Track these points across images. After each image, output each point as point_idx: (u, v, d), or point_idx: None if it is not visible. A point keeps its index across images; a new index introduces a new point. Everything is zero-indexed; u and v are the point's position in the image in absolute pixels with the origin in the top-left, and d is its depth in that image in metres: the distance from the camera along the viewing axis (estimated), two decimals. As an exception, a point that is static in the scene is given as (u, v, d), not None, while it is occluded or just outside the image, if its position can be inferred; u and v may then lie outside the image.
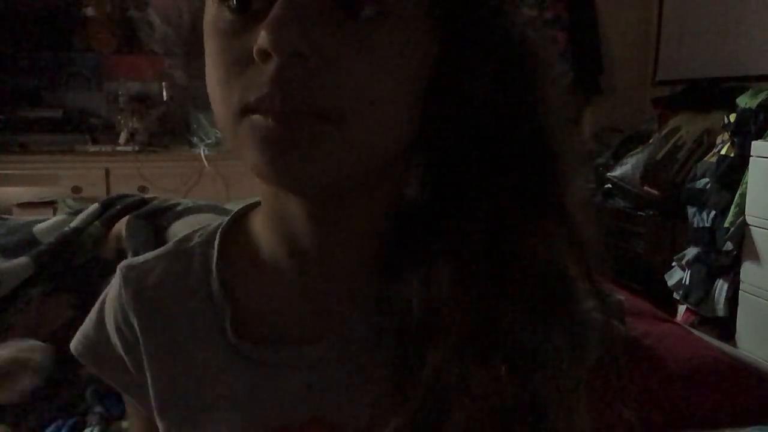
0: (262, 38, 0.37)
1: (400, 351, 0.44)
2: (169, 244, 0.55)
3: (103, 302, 0.55)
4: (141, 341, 0.51)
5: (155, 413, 0.51)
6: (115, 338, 0.53)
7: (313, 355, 0.48)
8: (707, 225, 2.46)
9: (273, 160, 0.39)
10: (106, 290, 0.55)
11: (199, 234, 0.55)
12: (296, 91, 0.38)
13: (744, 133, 2.36)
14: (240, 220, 0.54)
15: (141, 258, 0.55)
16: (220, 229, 0.53)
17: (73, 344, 0.56)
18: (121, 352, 0.52)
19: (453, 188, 0.44)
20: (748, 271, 2.28)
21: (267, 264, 0.50)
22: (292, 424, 0.47)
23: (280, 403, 0.48)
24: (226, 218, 0.54)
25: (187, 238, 0.55)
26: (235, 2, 0.40)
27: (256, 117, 0.39)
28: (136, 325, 0.51)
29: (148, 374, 0.51)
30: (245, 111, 0.39)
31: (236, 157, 0.43)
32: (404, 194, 0.48)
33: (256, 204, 0.53)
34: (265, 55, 0.37)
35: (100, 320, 0.54)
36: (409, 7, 0.40)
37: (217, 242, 0.52)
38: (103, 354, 0.54)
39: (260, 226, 0.51)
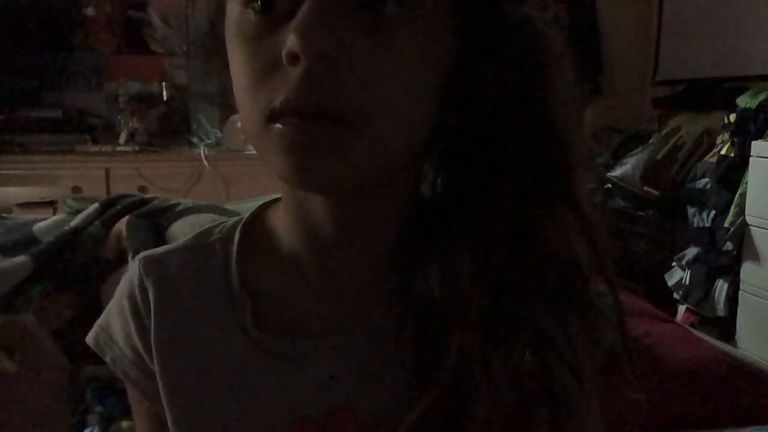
0: (291, 41, 0.38)
1: (422, 339, 0.45)
2: (188, 239, 0.56)
3: (121, 293, 0.55)
4: (153, 331, 0.51)
5: (164, 403, 0.51)
6: (131, 329, 0.53)
7: (334, 346, 0.48)
8: (707, 225, 2.46)
9: (299, 167, 0.40)
10: (122, 281, 0.55)
11: (218, 229, 0.55)
12: (323, 92, 0.39)
13: (744, 133, 2.36)
14: (260, 216, 0.54)
15: (160, 250, 0.55)
16: (240, 225, 0.54)
17: (90, 336, 0.56)
18: (136, 342, 0.53)
19: (470, 178, 0.45)
20: (748, 271, 2.28)
21: (287, 259, 0.51)
22: (313, 415, 0.48)
23: (301, 394, 0.48)
24: (245, 215, 0.55)
25: (206, 233, 0.55)
26: (259, 3, 0.40)
27: (279, 127, 0.40)
28: (152, 315, 0.52)
29: (156, 365, 0.51)
30: (272, 117, 0.40)
31: (262, 161, 0.44)
32: (422, 185, 0.50)
33: (276, 200, 0.54)
34: (293, 57, 0.38)
35: (118, 311, 0.55)
36: (430, 6, 0.41)
37: (237, 237, 0.53)
38: (118, 345, 0.54)
39: (280, 222, 0.52)
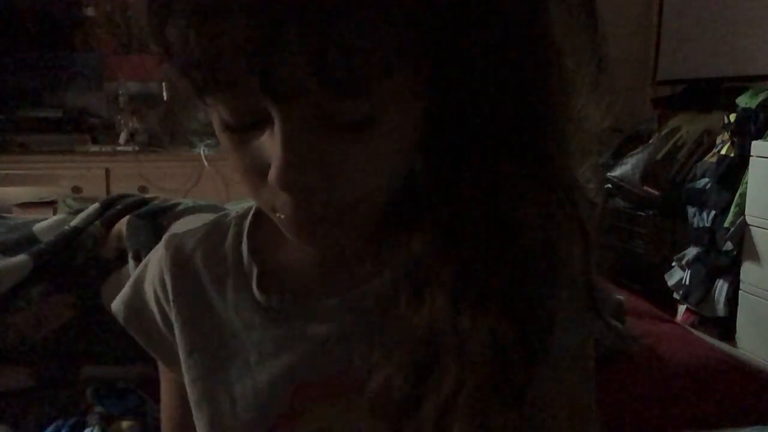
0: (272, 179, 0.39)
1: (398, 304, 0.46)
2: (211, 217, 0.61)
3: (146, 264, 0.60)
4: (171, 297, 0.56)
5: (182, 367, 0.55)
6: (150, 296, 0.58)
7: (331, 307, 0.51)
8: (707, 225, 2.46)
9: (302, 241, 0.45)
10: (149, 255, 0.61)
11: (237, 210, 0.60)
12: (313, 208, 0.42)
13: (744, 133, 2.36)
14: None
15: (185, 229, 0.60)
16: (255, 205, 0.57)
17: (114, 305, 0.60)
18: (155, 309, 0.57)
19: (451, 147, 0.44)
20: (748, 271, 2.29)
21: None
22: (313, 381, 0.50)
23: (302, 357, 0.50)
24: None
25: (226, 214, 0.60)
26: (231, 120, 0.41)
27: (281, 216, 0.44)
28: (168, 283, 0.56)
29: (175, 328, 0.55)
30: (273, 211, 0.44)
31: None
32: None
33: None
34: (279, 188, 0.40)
35: (140, 280, 0.60)
36: (399, 101, 0.40)
37: (251, 215, 0.57)
38: (139, 313, 0.59)
39: None
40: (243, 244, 0.56)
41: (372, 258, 0.49)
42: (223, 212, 0.61)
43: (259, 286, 0.53)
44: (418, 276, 0.45)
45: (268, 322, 0.52)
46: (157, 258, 0.59)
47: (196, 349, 0.55)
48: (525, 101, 0.43)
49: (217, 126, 0.43)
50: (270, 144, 0.40)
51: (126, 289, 0.60)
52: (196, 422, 0.55)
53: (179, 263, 0.57)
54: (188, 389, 0.55)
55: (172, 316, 0.56)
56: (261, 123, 0.40)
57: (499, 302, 0.43)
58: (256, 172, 0.42)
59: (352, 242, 0.48)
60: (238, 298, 0.54)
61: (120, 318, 0.60)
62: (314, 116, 0.39)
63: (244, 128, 0.41)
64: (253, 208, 0.58)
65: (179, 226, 1.37)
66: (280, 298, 0.52)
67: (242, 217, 0.58)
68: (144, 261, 0.61)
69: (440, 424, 0.43)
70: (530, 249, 0.44)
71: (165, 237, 0.60)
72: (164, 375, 0.62)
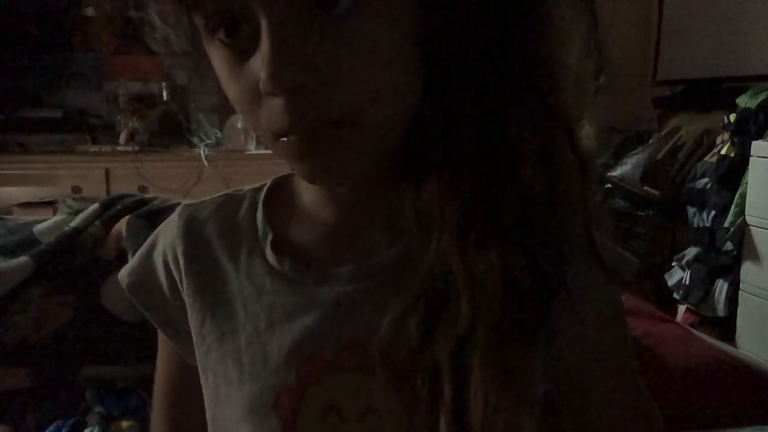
0: (263, 81, 0.39)
1: (406, 250, 0.46)
2: (223, 193, 0.61)
3: (157, 234, 0.60)
4: (182, 265, 0.56)
5: (195, 337, 0.55)
6: (160, 266, 0.58)
7: (342, 273, 0.50)
8: (707, 225, 2.46)
9: (309, 170, 0.44)
10: (161, 225, 0.61)
11: (251, 184, 0.60)
12: (307, 112, 0.41)
13: (744, 133, 2.36)
14: (289, 176, 0.58)
15: (198, 200, 0.60)
16: (272, 180, 0.58)
17: (121, 273, 0.60)
18: (163, 279, 0.57)
19: (449, 94, 0.45)
20: (748, 271, 2.28)
21: (307, 205, 0.54)
22: (322, 352, 0.49)
23: (312, 325, 0.50)
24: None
25: (240, 189, 0.60)
26: (223, 36, 0.42)
27: (285, 140, 0.43)
28: (180, 251, 0.56)
29: (186, 297, 0.55)
30: (275, 136, 0.43)
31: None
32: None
33: None
34: (271, 93, 0.40)
35: (150, 250, 0.59)
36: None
37: (267, 186, 0.58)
38: (146, 283, 0.58)
39: (304, 181, 0.54)
40: (258, 212, 0.56)
41: (383, 225, 0.49)
42: (239, 189, 0.61)
43: (273, 251, 0.53)
44: (425, 217, 0.45)
45: (280, 286, 0.52)
46: (169, 226, 0.58)
47: (207, 316, 0.54)
48: (516, 37, 0.44)
49: (215, 60, 0.44)
50: (260, 56, 0.40)
51: (134, 259, 0.60)
52: (204, 392, 0.54)
53: (192, 230, 0.57)
54: (201, 362, 0.54)
55: (184, 284, 0.55)
56: (253, 35, 0.40)
57: (506, 235, 0.43)
58: (253, 93, 0.42)
59: (361, 182, 0.49)
60: (251, 264, 0.54)
61: (124, 285, 0.60)
62: (299, 6, 0.39)
63: (238, 43, 0.41)
64: (269, 182, 0.58)
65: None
66: (293, 263, 0.52)
67: (257, 190, 0.58)
68: (155, 231, 0.61)
69: (457, 363, 0.43)
70: (531, 182, 0.44)
71: (179, 207, 0.59)
72: (163, 350, 0.61)
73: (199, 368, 0.55)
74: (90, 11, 3.00)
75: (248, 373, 0.51)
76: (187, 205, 0.59)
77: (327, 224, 0.53)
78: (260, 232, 0.55)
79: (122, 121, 2.94)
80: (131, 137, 2.89)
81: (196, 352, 0.55)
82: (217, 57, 0.44)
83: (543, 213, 0.45)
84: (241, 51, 0.42)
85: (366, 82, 0.41)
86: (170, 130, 2.97)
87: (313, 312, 0.50)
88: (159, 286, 0.57)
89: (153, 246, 0.59)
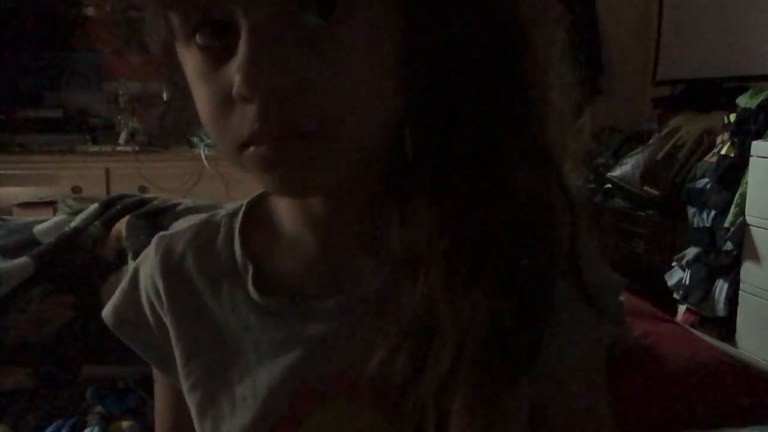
0: (237, 85, 0.38)
1: (393, 287, 0.45)
2: (200, 218, 0.59)
3: (137, 269, 0.58)
4: (165, 303, 0.54)
5: (180, 373, 0.54)
6: (144, 302, 0.56)
7: (328, 307, 0.49)
8: (707, 225, 2.46)
9: (278, 182, 0.42)
10: (139, 258, 0.59)
11: (226, 207, 0.59)
12: (281, 119, 0.39)
13: (744, 133, 2.36)
14: (264, 196, 0.57)
15: (173, 229, 0.59)
16: (245, 203, 0.57)
17: (105, 311, 0.59)
18: (149, 315, 0.56)
19: (437, 126, 0.44)
20: (748, 271, 2.28)
21: (287, 231, 0.53)
22: (313, 383, 0.49)
23: (300, 358, 0.49)
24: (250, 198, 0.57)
25: (216, 213, 0.58)
26: (200, 40, 0.41)
27: (253, 149, 0.41)
28: (161, 288, 0.54)
29: (171, 335, 0.54)
30: (242, 145, 0.41)
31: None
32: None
33: None
34: (244, 98, 0.39)
35: (132, 287, 0.58)
36: (368, 15, 0.40)
37: (241, 213, 0.56)
38: (132, 319, 0.57)
39: (281, 202, 0.53)
40: (235, 243, 0.54)
41: (367, 251, 0.48)
42: (212, 212, 0.60)
43: (254, 286, 0.52)
44: (412, 253, 0.44)
45: (266, 323, 0.51)
46: (148, 263, 0.57)
47: (193, 354, 0.53)
48: (502, 68, 0.43)
49: (188, 64, 0.43)
50: (236, 60, 0.39)
51: (116, 295, 0.59)
52: (197, 429, 0.54)
53: (171, 266, 0.55)
54: (188, 397, 0.54)
55: (167, 321, 0.54)
56: (230, 42, 0.39)
57: (493, 274, 0.43)
58: (225, 101, 0.41)
59: (341, 204, 0.48)
60: (234, 300, 0.52)
61: (109, 324, 0.58)
62: (280, 14, 0.38)
63: (214, 49, 0.41)
64: (243, 206, 0.57)
65: (179, 226, 1.37)
66: (277, 300, 0.51)
67: (232, 215, 0.57)
68: (134, 266, 0.59)
69: (440, 401, 0.43)
70: (521, 221, 0.44)
71: (154, 239, 0.58)
72: (158, 380, 0.60)
73: (190, 405, 0.54)
74: (90, 11, 3.00)
75: (240, 407, 0.51)
76: (162, 237, 0.58)
77: (309, 250, 0.51)
78: (240, 265, 0.53)
79: (122, 121, 2.94)
80: (131, 137, 2.89)
81: (183, 386, 0.54)
82: (191, 61, 0.43)
83: (531, 251, 0.44)
84: (217, 56, 0.41)
85: (342, 96, 0.40)
86: (170, 131, 2.97)
87: (301, 347, 0.50)
88: (146, 322, 0.56)
89: (135, 281, 0.58)
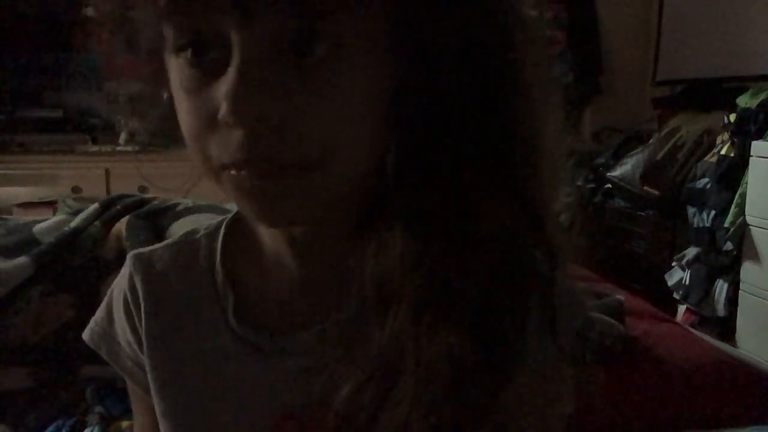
0: (223, 110, 0.38)
1: (362, 323, 0.45)
2: (176, 237, 0.58)
3: (116, 288, 0.58)
4: (144, 325, 0.53)
5: (154, 396, 0.53)
6: (123, 323, 0.56)
7: (307, 340, 0.49)
8: (707, 225, 2.45)
9: (257, 210, 0.42)
10: (116, 280, 0.58)
11: (204, 227, 0.57)
12: (266, 150, 0.39)
13: (744, 133, 2.36)
14: (242, 215, 0.55)
15: (149, 248, 0.57)
16: (224, 222, 0.56)
17: (85, 332, 0.59)
18: (129, 336, 0.55)
19: (418, 164, 0.44)
20: (748, 271, 2.28)
21: (267, 255, 0.52)
22: (292, 413, 0.49)
23: (279, 389, 0.49)
24: (232, 213, 0.56)
25: (193, 231, 0.57)
26: (190, 55, 0.40)
27: (234, 173, 0.41)
28: (142, 309, 0.54)
29: (146, 357, 0.53)
30: (223, 168, 0.41)
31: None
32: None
33: None
34: (230, 123, 0.38)
35: (110, 307, 0.58)
36: (362, 37, 0.40)
37: (221, 234, 0.55)
38: (112, 339, 0.57)
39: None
40: (216, 270, 0.53)
41: (343, 280, 0.47)
42: (189, 231, 0.58)
43: (235, 317, 0.51)
44: (384, 288, 0.43)
45: (244, 354, 0.51)
46: (125, 284, 0.56)
47: (167, 383, 0.52)
48: (493, 113, 0.43)
49: (175, 78, 0.43)
50: (224, 82, 0.38)
51: (93, 319, 0.59)
52: None
53: (152, 287, 0.54)
54: (161, 422, 0.53)
55: (144, 344, 0.53)
56: (221, 63, 0.39)
57: (461, 319, 0.42)
58: (209, 121, 0.40)
59: (322, 232, 0.47)
60: (215, 326, 0.52)
61: (91, 345, 0.58)
62: (274, 43, 0.38)
63: (203, 67, 0.40)
64: (222, 227, 0.55)
65: (179, 226, 1.37)
66: (256, 332, 0.51)
67: (211, 237, 0.56)
68: (111, 288, 0.58)
69: None
70: (495, 266, 0.43)
71: (129, 258, 0.56)
72: (137, 404, 0.59)
73: (162, 427, 0.53)
74: (90, 11, 3.00)
75: None
76: (139, 257, 0.56)
77: (290, 275, 0.51)
78: (221, 292, 0.53)
79: (122, 121, 2.93)
80: (131, 137, 2.89)
81: (156, 408, 0.53)
82: (177, 73, 0.42)
83: (503, 298, 0.44)
84: (205, 73, 0.40)
85: (329, 130, 0.40)
86: (170, 131, 2.97)
87: (281, 378, 0.49)
88: (126, 341, 0.56)
89: (110, 306, 0.58)
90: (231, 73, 0.38)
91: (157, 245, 0.57)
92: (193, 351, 0.52)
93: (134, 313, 0.54)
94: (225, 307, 0.52)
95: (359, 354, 0.44)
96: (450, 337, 0.42)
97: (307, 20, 0.38)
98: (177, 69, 0.42)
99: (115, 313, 0.57)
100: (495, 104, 0.43)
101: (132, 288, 0.55)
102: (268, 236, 0.52)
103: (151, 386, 0.53)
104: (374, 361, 0.43)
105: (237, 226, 0.55)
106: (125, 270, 0.56)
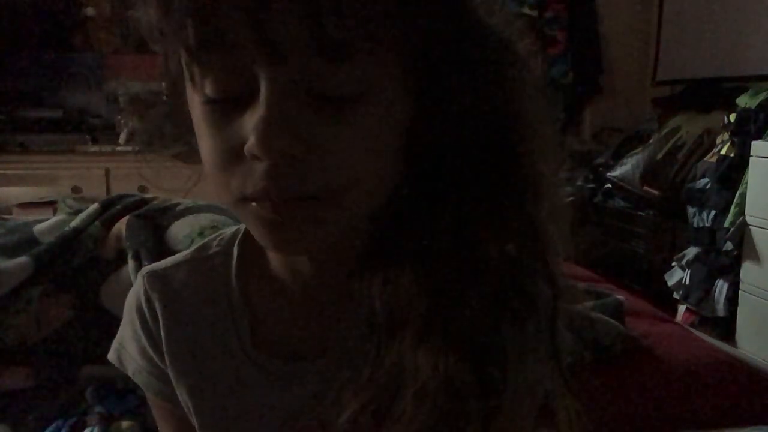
0: (251, 143, 0.39)
1: (368, 348, 0.46)
2: (188, 252, 0.59)
3: (130, 307, 0.58)
4: (164, 342, 0.55)
5: (190, 408, 0.55)
6: (143, 342, 0.56)
7: (319, 368, 0.51)
8: (707, 225, 2.46)
9: (275, 241, 0.44)
10: (129, 296, 0.58)
11: (216, 242, 0.58)
12: (289, 184, 0.41)
13: (744, 133, 2.36)
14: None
15: (161, 264, 0.58)
16: (237, 241, 0.57)
17: (111, 354, 0.60)
18: (151, 353, 0.56)
19: (430, 197, 0.46)
20: (748, 271, 2.28)
21: (277, 283, 0.54)
22: (308, 427, 0.50)
23: (289, 411, 0.52)
24: (241, 227, 0.57)
25: (206, 246, 0.58)
26: (212, 92, 0.41)
27: (254, 205, 0.42)
28: (162, 327, 0.55)
29: (171, 373, 0.55)
30: (244, 199, 0.43)
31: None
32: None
33: None
34: (255, 156, 0.40)
35: (130, 327, 0.58)
36: (383, 78, 0.41)
37: (235, 253, 0.56)
38: (135, 359, 0.58)
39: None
40: (233, 288, 0.55)
41: (349, 309, 0.48)
42: (200, 246, 0.59)
43: (251, 341, 0.53)
44: (392, 315, 0.45)
45: (259, 377, 0.53)
46: (142, 300, 0.56)
47: (196, 392, 0.55)
48: (496, 147, 0.45)
49: (197, 109, 0.43)
50: (250, 117, 0.40)
51: (118, 339, 0.60)
52: None
53: (170, 304, 0.55)
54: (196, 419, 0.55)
55: (167, 359, 0.55)
56: (246, 97, 0.40)
57: (462, 346, 0.44)
58: (232, 153, 0.41)
59: (333, 261, 0.49)
60: (230, 347, 0.54)
61: (118, 365, 0.60)
62: (301, 82, 0.39)
63: (228, 101, 0.41)
64: (236, 248, 0.56)
65: (179, 226, 1.37)
66: (270, 359, 0.53)
67: (225, 255, 0.57)
68: (128, 303, 0.59)
69: None
70: (500, 297, 0.45)
71: (143, 277, 0.57)
72: (163, 414, 0.60)
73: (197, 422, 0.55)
74: (90, 11, 3.00)
75: None
76: (153, 275, 0.57)
77: (303, 303, 0.53)
78: (237, 313, 0.54)
79: (122, 121, 2.94)
80: (131, 137, 2.89)
81: (195, 422, 0.55)
82: (200, 108, 0.43)
83: (505, 328, 0.45)
84: (226, 109, 0.41)
85: (352, 166, 0.41)
86: (170, 131, 2.97)
87: (293, 403, 0.51)
88: (150, 360, 0.57)
89: (132, 320, 0.58)
90: (260, 108, 0.39)
91: (168, 261, 0.58)
92: (210, 368, 0.54)
93: (153, 330, 0.56)
94: (240, 331, 0.54)
95: (364, 378, 0.46)
96: (448, 362, 0.43)
97: (333, 61, 0.39)
98: (200, 103, 0.43)
99: (132, 334, 0.57)
100: (500, 141, 0.45)
101: (149, 304, 0.56)
102: (273, 262, 0.54)
103: (181, 399, 0.55)
104: (376, 383, 0.45)
105: (248, 247, 0.56)
106: (138, 288, 0.57)
